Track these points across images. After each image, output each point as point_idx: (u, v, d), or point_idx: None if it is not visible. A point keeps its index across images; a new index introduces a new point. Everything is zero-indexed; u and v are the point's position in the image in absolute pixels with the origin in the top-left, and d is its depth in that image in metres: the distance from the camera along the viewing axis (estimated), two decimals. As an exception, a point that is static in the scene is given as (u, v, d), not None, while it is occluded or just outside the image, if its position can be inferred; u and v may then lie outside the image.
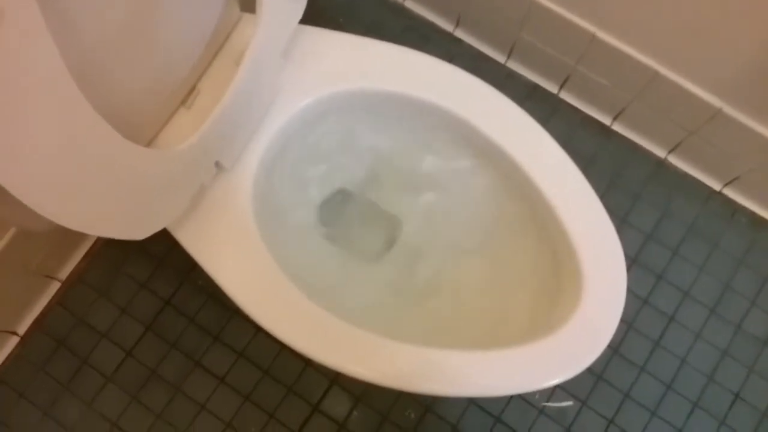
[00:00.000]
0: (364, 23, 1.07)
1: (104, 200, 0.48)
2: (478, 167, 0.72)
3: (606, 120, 1.04)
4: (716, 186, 1.02)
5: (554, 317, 0.63)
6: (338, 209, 0.83)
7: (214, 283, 0.62)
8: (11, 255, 0.79)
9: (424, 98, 0.67)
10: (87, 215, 0.47)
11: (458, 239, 0.77)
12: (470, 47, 1.06)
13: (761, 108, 0.83)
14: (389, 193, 0.81)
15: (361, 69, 0.68)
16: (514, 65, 1.05)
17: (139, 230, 0.55)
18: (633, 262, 0.98)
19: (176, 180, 0.57)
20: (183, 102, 0.61)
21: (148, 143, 0.60)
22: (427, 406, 0.92)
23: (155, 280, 0.96)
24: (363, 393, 0.92)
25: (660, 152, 1.03)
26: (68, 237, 0.94)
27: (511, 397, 0.93)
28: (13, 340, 0.92)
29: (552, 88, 1.04)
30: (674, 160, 1.03)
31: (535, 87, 1.05)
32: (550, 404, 0.93)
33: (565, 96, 1.04)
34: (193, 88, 0.62)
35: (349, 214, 0.85)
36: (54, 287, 0.95)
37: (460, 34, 1.06)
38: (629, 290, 0.62)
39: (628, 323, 0.96)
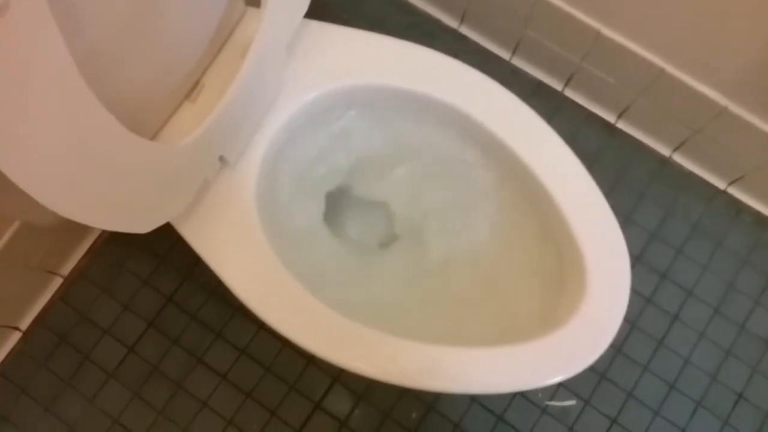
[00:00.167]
0: (368, 19, 1.06)
1: (108, 193, 0.48)
2: (483, 163, 0.72)
3: (611, 118, 1.03)
4: (721, 185, 1.02)
5: (558, 315, 0.63)
6: (342, 204, 0.83)
7: (216, 281, 0.61)
8: (14, 250, 0.79)
9: (429, 94, 0.67)
10: (91, 207, 0.47)
11: (463, 226, 0.76)
12: (475, 44, 1.05)
13: (767, 106, 0.83)
14: (392, 186, 0.81)
15: (366, 64, 0.68)
16: (518, 62, 1.05)
17: (142, 223, 0.55)
18: (637, 260, 0.98)
19: (180, 174, 0.56)
20: (187, 96, 0.61)
21: (153, 137, 0.60)
22: (429, 404, 0.92)
23: (157, 276, 0.96)
24: (365, 391, 0.92)
25: (665, 150, 1.02)
26: (71, 233, 0.94)
27: (514, 395, 0.93)
28: (15, 336, 0.92)
29: (557, 85, 1.04)
30: (679, 158, 1.02)
31: (540, 84, 1.04)
32: (552, 403, 0.93)
33: (570, 93, 1.04)
34: (197, 82, 0.62)
35: (353, 209, 0.84)
36: (56, 283, 0.94)
37: (464, 30, 1.06)
38: (633, 289, 0.62)
39: (631, 322, 0.96)
